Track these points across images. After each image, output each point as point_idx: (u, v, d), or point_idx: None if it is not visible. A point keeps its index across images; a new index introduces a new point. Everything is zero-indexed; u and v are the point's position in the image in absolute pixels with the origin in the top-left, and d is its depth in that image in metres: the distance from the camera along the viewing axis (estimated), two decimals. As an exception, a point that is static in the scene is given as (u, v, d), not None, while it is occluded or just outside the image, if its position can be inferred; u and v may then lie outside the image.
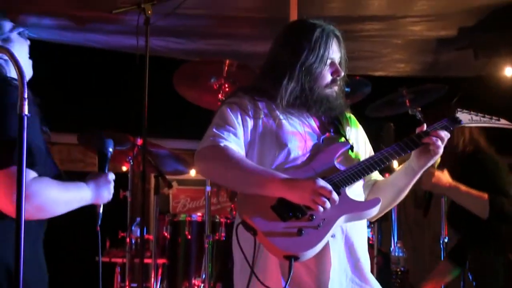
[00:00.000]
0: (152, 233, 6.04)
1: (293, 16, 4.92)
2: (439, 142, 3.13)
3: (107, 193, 3.02)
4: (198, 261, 5.74)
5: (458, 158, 4.52)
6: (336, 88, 3.25)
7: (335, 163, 3.12)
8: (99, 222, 3.09)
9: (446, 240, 5.30)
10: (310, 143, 3.19)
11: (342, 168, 3.11)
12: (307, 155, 3.15)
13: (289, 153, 3.12)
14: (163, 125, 7.20)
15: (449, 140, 3.16)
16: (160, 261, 6.01)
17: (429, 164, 3.22)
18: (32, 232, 2.75)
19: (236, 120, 3.14)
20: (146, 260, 5.78)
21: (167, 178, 5.83)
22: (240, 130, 3.13)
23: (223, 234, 5.65)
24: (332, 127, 3.30)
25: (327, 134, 3.26)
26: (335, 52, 3.24)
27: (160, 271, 6.03)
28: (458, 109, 3.37)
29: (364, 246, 3.23)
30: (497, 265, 4.32)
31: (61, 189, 2.78)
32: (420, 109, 5.40)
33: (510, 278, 4.30)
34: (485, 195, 4.27)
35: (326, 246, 2.94)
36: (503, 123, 3.46)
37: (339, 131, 3.28)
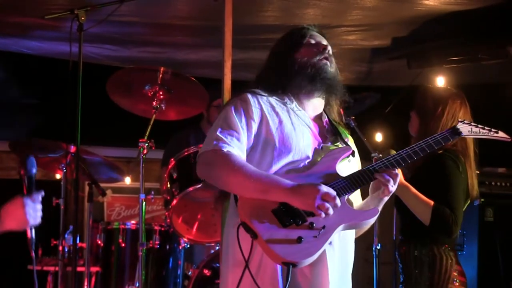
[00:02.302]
0: (85, 241, 5.98)
1: (228, 24, 4.88)
2: (391, 183, 3.14)
3: (26, 217, 2.88)
4: (132, 269, 5.70)
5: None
6: (327, 62, 3.43)
7: (336, 169, 3.15)
8: (33, 247, 2.98)
9: (378, 247, 5.38)
10: (311, 148, 3.23)
11: (342, 174, 3.14)
12: (309, 160, 3.19)
13: (291, 157, 3.16)
14: (97, 132, 7.14)
15: None
16: (94, 269, 5.96)
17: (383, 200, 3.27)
18: None
19: (239, 123, 3.18)
20: (79, 268, 5.72)
21: (100, 185, 5.79)
22: (243, 135, 3.17)
23: (157, 242, 5.62)
24: (332, 135, 3.37)
25: (327, 141, 3.33)
26: (317, 37, 3.53)
27: (93, 279, 5.97)
28: (459, 120, 3.50)
29: (352, 253, 3.30)
30: (423, 258, 4.31)
31: None
32: (354, 117, 5.45)
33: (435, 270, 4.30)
34: (431, 202, 4.16)
35: (323, 253, 2.99)
36: (501, 135, 3.55)
37: (340, 139, 3.35)
